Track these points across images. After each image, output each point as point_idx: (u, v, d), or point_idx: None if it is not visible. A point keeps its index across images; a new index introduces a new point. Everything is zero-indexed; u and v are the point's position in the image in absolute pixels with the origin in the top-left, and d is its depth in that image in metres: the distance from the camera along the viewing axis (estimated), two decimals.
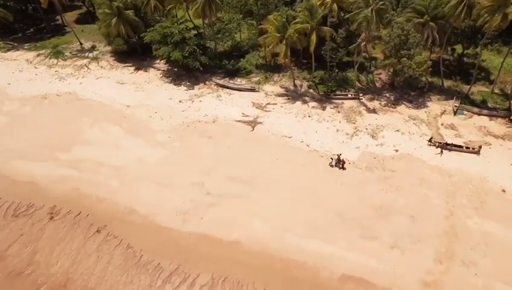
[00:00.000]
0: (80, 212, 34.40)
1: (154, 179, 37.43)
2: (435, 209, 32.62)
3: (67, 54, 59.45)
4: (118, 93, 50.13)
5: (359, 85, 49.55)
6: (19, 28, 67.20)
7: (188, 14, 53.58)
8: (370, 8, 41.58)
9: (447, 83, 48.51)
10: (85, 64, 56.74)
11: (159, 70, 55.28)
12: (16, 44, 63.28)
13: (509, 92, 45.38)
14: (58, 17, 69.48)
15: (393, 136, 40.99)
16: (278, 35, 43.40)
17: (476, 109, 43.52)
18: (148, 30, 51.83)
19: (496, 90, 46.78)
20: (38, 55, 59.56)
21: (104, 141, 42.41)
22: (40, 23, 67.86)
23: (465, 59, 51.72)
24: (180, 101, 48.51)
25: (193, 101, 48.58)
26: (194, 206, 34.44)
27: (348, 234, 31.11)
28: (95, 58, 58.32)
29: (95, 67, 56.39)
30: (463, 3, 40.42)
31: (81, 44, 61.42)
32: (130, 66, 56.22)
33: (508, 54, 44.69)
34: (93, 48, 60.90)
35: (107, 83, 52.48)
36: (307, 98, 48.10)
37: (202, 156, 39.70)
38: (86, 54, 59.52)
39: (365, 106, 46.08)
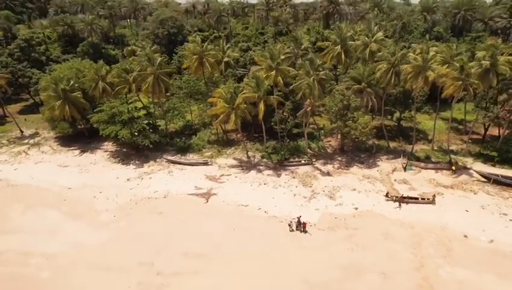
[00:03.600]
0: None
1: (95, 263, 32.48)
2: (404, 263, 30.72)
3: (3, 141, 55.67)
4: (58, 176, 46.29)
5: (311, 152, 50.47)
6: None
7: (137, 94, 53.99)
8: (312, 78, 44.68)
9: (392, 144, 51.16)
10: (23, 151, 53.01)
11: (106, 151, 52.86)
12: None
13: (446, 148, 48.53)
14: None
15: (351, 195, 40.56)
16: (227, 106, 44.29)
17: (422, 164, 45.43)
18: (94, 111, 50.72)
19: (435, 147, 49.98)
20: None
21: (37, 228, 37.34)
22: None
23: (403, 124, 55.81)
24: (128, 179, 45.55)
25: (142, 178, 45.90)
26: None
27: None
28: (36, 144, 55.02)
29: (35, 152, 52.78)
30: (391, 71, 45.14)
31: (21, 132, 58.36)
32: (75, 150, 53.38)
33: (436, 117, 50.34)
34: (34, 135, 57.93)
35: (47, 167, 48.70)
36: (261, 167, 47.55)
37: (152, 234, 35.90)
38: (26, 141, 56.14)
39: (319, 170, 46.25)
